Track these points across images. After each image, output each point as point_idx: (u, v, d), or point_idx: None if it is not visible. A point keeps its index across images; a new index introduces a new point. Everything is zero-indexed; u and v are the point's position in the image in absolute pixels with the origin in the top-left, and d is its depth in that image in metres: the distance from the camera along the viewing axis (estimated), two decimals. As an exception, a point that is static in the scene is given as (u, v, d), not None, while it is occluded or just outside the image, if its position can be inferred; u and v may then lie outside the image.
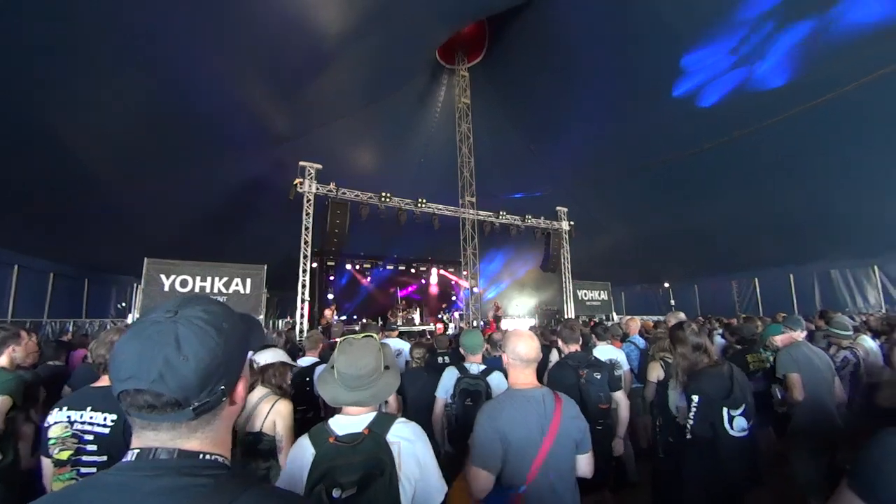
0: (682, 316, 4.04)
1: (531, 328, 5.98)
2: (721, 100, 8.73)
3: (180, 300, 0.72)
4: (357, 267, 17.01)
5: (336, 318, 12.05)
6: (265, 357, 2.37)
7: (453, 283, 18.54)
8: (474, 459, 1.67)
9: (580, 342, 3.27)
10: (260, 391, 2.29)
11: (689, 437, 2.29)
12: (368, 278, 17.68)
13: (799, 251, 11.31)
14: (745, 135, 8.99)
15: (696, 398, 2.28)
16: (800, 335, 3.38)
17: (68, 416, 1.70)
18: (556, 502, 1.70)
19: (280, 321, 13.14)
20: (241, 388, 0.76)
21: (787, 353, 3.18)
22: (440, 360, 4.05)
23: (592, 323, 7.40)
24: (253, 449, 2.10)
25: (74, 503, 0.63)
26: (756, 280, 12.92)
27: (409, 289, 18.35)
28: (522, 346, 1.83)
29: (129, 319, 9.90)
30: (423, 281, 18.80)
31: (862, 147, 8.29)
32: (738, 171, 10.03)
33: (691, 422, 2.28)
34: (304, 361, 3.81)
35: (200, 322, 0.68)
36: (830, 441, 2.86)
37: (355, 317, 16.43)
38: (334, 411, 1.48)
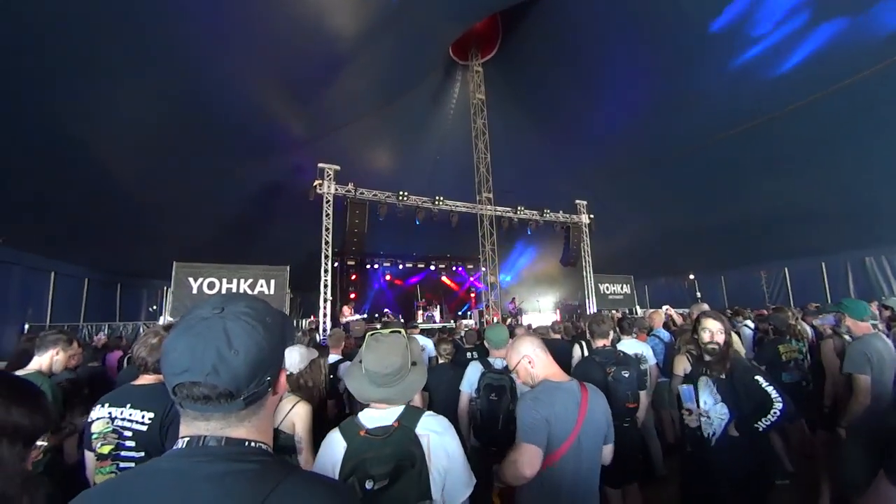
0: (705, 307, 3.95)
1: (553, 323, 5.94)
2: (744, 86, 8.45)
3: (224, 298, 0.75)
4: (377, 266, 17.17)
5: (356, 316, 12.19)
6: (291, 359, 2.38)
7: (472, 279, 18.54)
8: (524, 436, 1.69)
9: (609, 337, 3.22)
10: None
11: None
12: (388, 276, 17.84)
13: (831, 238, 10.84)
14: (771, 120, 8.70)
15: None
16: (870, 326, 2.95)
17: (109, 413, 1.78)
18: (576, 485, 1.74)
19: (304, 321, 13.36)
20: (282, 378, 0.80)
21: (859, 349, 2.78)
22: (468, 355, 4.08)
23: (618, 316, 7.30)
24: None
25: (131, 487, 0.67)
26: (786, 269, 12.47)
27: (430, 286, 18.42)
28: (528, 343, 1.94)
29: (161, 321, 10.21)
30: (443, 278, 18.85)
31: (895, 128, 7.92)
32: (765, 158, 9.69)
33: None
34: (328, 359, 3.87)
35: (246, 318, 0.71)
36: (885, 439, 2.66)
37: (376, 315, 16.61)
38: (358, 405, 1.50)
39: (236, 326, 0.69)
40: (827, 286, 11.40)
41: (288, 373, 2.30)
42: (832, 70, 7.50)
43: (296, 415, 2.19)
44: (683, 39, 8.17)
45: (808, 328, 4.83)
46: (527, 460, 1.64)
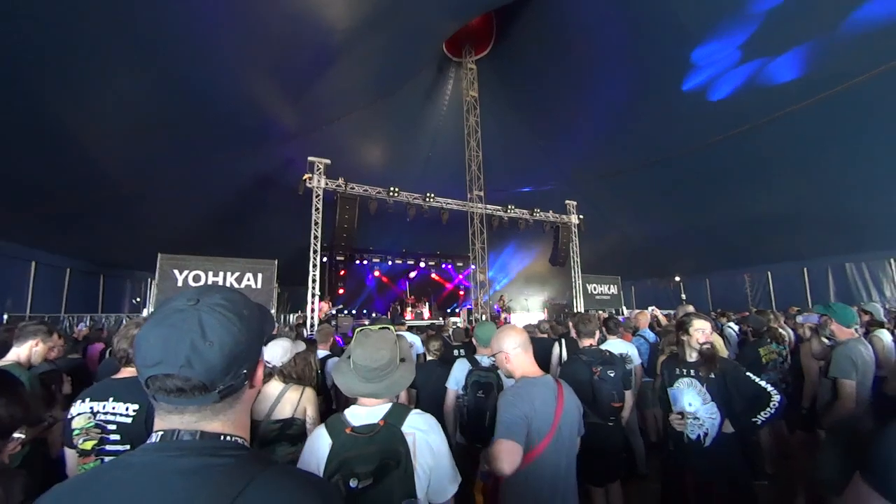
0: (691, 309, 4.01)
1: (539, 322, 5.97)
2: (732, 94, 8.59)
3: (200, 289, 0.74)
4: (366, 262, 17.10)
5: (333, 311, 12.14)
6: (273, 352, 2.39)
7: (461, 276, 18.58)
8: (503, 433, 1.68)
9: (595, 337, 3.25)
10: (277, 383, 2.33)
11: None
12: (377, 273, 17.78)
13: (813, 244, 11.14)
14: (757, 127, 8.85)
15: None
16: (853, 332, 2.95)
17: (91, 407, 1.74)
18: (557, 478, 1.76)
19: (291, 316, 13.27)
20: (260, 371, 0.79)
21: (846, 354, 2.76)
22: (455, 352, 4.08)
23: (604, 317, 7.38)
24: (283, 434, 2.17)
25: (103, 482, 0.66)
26: (769, 273, 12.74)
27: (418, 283, 18.40)
28: (513, 336, 1.92)
29: (145, 314, 10.05)
30: (432, 275, 18.84)
31: (875, 139, 8.15)
32: (750, 165, 9.89)
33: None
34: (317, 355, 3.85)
35: (222, 309, 0.70)
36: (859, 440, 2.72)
37: (364, 311, 16.55)
38: (345, 401, 1.49)
39: (211, 318, 0.68)
40: (808, 290, 11.68)
41: (270, 366, 2.33)
42: (818, 80, 7.65)
43: (307, 400, 2.27)
44: (674, 45, 8.24)
45: (789, 331, 4.93)
46: (506, 456, 1.64)
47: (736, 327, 5.78)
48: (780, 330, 4.55)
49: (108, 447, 1.69)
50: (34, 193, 7.55)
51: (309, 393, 2.31)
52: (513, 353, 1.89)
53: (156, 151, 8.05)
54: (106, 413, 1.72)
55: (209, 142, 8.59)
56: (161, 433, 0.69)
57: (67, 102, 6.40)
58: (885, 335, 3.72)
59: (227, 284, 7.70)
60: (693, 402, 2.44)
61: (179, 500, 0.61)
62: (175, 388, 0.66)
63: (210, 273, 7.67)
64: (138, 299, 12.30)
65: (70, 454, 1.74)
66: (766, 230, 11.34)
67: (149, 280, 10.61)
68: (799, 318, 5.18)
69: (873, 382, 2.86)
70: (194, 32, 6.31)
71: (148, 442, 0.69)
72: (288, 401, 2.24)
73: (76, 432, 1.71)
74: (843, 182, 9.19)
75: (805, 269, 11.84)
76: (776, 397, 2.25)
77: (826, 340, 3.29)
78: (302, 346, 2.56)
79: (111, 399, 1.74)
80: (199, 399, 0.68)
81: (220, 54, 6.88)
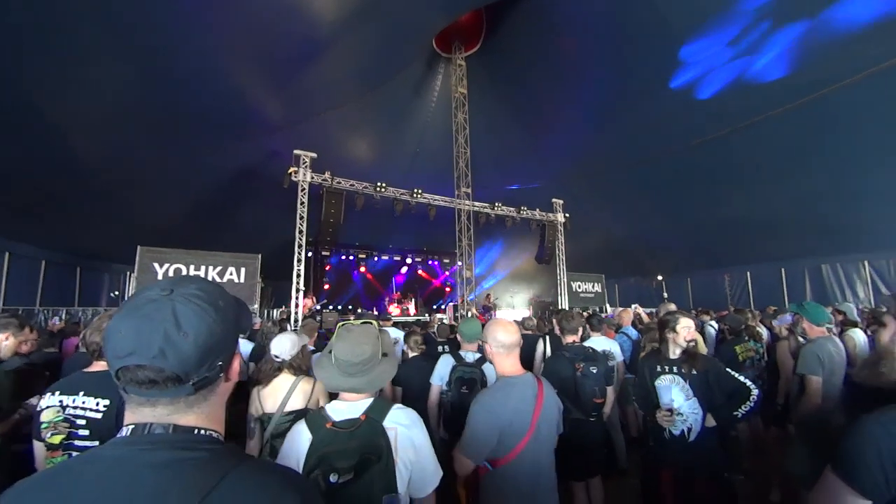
0: (672, 307, 4.07)
1: (524, 319, 6.01)
2: (717, 94, 8.72)
3: (174, 279, 0.72)
4: (352, 257, 16.99)
5: (317, 306, 12.05)
6: (282, 346, 2.40)
7: (448, 273, 18.58)
8: (465, 449, 1.69)
9: (578, 334, 3.28)
10: (288, 376, 2.35)
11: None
12: (363, 268, 17.67)
13: (791, 246, 11.44)
14: (739, 130, 9.02)
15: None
16: (825, 330, 3.04)
17: (60, 401, 1.70)
18: (537, 475, 1.77)
19: (275, 311, 13.11)
20: (236, 364, 0.78)
21: (812, 351, 2.85)
22: (440, 348, 4.08)
23: (587, 314, 7.45)
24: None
25: (72, 476, 0.63)
26: (748, 274, 13.05)
27: (405, 279, 18.36)
28: (502, 333, 1.87)
29: (122, 307, 9.81)
30: (419, 271, 18.81)
31: (851, 146, 8.38)
32: (732, 168, 10.08)
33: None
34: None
35: (197, 300, 0.68)
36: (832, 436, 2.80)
37: (350, 307, 16.46)
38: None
39: (186, 309, 0.67)
40: (785, 291, 12.01)
41: (280, 360, 2.36)
42: (800, 84, 7.81)
43: (319, 391, 2.32)
44: (661, 44, 8.33)
45: (764, 330, 5.04)
46: (459, 467, 1.73)
47: (716, 325, 5.90)
48: (758, 328, 4.65)
49: (77, 442, 1.65)
50: (9, 182, 7.30)
51: (321, 384, 2.32)
52: (494, 351, 1.89)
53: (136, 141, 7.84)
54: (76, 407, 1.68)
55: (191, 131, 8.39)
56: (132, 427, 0.67)
57: (45, 89, 6.18)
58: (857, 334, 3.83)
59: (209, 278, 7.57)
60: (676, 398, 2.47)
61: (150, 495, 0.60)
62: (147, 379, 0.64)
63: (191, 267, 7.53)
64: (116, 293, 12.01)
65: (38, 447, 1.70)
66: (746, 232, 11.60)
67: (128, 273, 10.38)
68: (775, 322, 5.32)
69: (844, 380, 2.95)
70: (177, 19, 6.13)
71: (118, 435, 0.67)
72: (300, 392, 2.27)
73: (44, 426, 1.67)
74: (819, 187, 9.42)
75: (783, 270, 12.16)
76: (755, 392, 2.33)
77: (801, 339, 3.38)
78: (307, 340, 2.57)
79: (81, 393, 1.70)
80: (172, 391, 0.66)
81: (205, 42, 6.70)
